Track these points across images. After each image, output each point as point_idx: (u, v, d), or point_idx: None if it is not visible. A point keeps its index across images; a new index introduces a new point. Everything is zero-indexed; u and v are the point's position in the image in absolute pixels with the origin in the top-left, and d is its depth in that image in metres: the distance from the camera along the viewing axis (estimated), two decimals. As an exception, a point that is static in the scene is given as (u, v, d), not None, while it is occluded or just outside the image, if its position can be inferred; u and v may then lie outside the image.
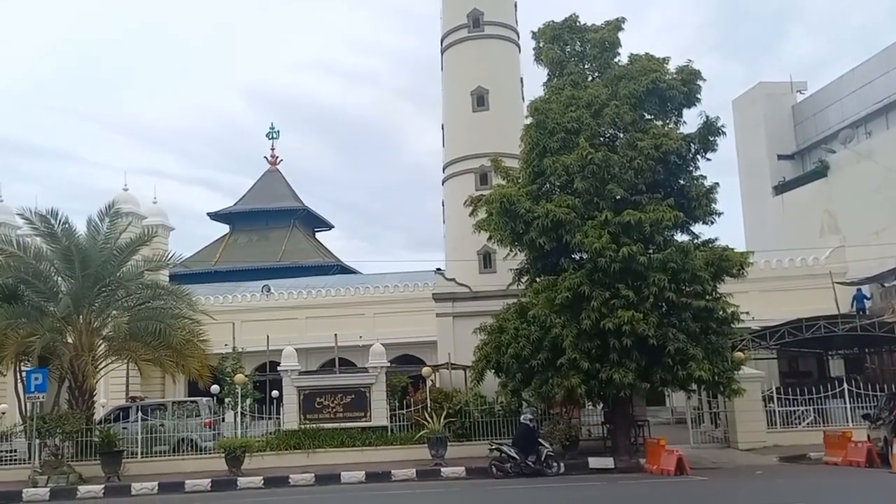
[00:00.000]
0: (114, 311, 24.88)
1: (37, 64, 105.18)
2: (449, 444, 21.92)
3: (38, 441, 21.55)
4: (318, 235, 68.40)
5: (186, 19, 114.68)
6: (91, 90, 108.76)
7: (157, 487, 19.82)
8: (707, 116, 21.15)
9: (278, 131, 67.95)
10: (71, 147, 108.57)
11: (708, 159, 21.61)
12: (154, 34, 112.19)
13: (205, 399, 26.90)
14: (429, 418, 22.34)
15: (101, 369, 24.76)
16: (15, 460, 22.95)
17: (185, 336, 24.47)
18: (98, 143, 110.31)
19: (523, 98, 30.12)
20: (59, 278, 24.66)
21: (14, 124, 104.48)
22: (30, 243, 24.97)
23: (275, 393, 26.33)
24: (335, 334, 29.49)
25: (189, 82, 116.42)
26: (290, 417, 23.81)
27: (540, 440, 20.07)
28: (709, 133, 21.16)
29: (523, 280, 22.85)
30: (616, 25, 22.93)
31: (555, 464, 19.60)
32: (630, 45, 23.87)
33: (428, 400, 24.09)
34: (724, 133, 21.44)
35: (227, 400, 27.44)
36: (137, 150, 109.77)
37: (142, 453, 22.87)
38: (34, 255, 24.50)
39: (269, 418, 25.09)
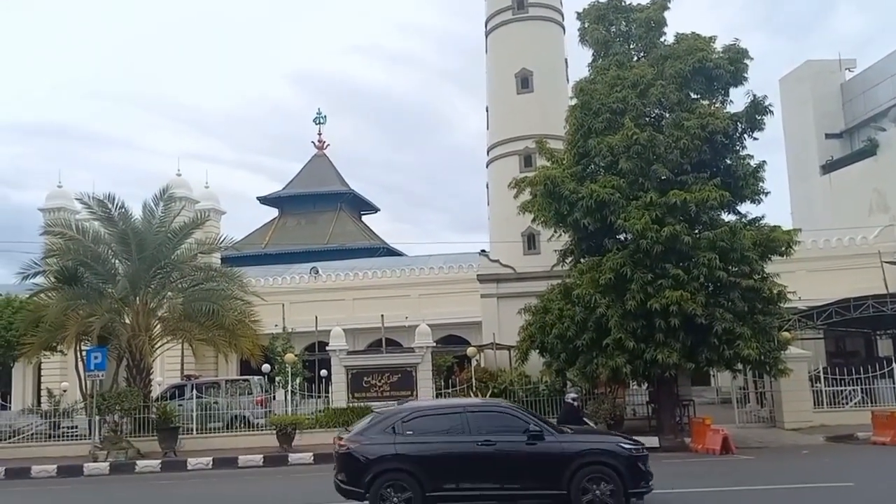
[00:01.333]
0: (169, 293, 25.33)
1: (93, 53, 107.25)
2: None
3: (98, 417, 22.09)
4: (364, 218, 68.72)
5: (236, 6, 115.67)
6: (144, 78, 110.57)
7: (211, 462, 20.16)
8: (754, 96, 20.67)
9: (325, 116, 68.41)
10: (126, 134, 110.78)
11: (755, 138, 21.19)
12: (205, 22, 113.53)
13: (256, 377, 27.34)
14: (474, 397, 22.33)
15: (157, 348, 25.26)
16: (76, 436, 23.60)
17: (236, 317, 24.83)
18: (151, 130, 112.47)
19: (568, 79, 29.82)
20: (117, 261, 25.17)
21: (71, 112, 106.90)
22: (88, 227, 25.50)
23: (323, 372, 26.59)
24: (381, 315, 29.64)
25: (238, 69, 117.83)
26: (339, 396, 24.03)
27: (585, 419, 19.91)
28: (756, 112, 20.68)
29: (567, 261, 22.66)
30: (661, 5, 22.54)
31: (599, 442, 19.42)
32: (676, 23, 23.38)
33: (473, 379, 24.08)
34: (771, 112, 20.95)
35: (277, 378, 27.78)
36: (189, 136, 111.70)
37: (197, 429, 23.25)
38: (92, 238, 25.02)
39: (318, 396, 25.38)
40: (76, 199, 28.74)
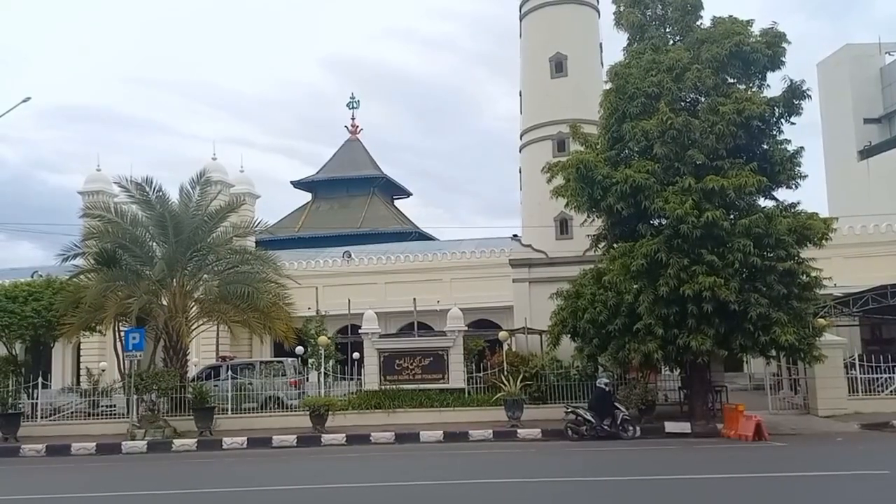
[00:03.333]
0: (205, 275, 25.54)
1: (133, 38, 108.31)
2: (525, 406, 21.83)
3: (135, 397, 22.42)
4: (396, 203, 68.75)
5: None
6: (184, 63, 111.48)
7: (246, 442, 20.38)
8: (792, 80, 20.22)
9: (358, 101, 68.26)
10: (164, 118, 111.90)
11: (792, 123, 20.73)
12: (243, 7, 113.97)
13: (290, 360, 27.52)
14: (505, 381, 22.25)
15: (193, 330, 25.53)
16: (114, 415, 23.97)
17: (271, 299, 25.00)
18: (189, 115, 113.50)
19: (602, 63, 29.32)
20: (154, 243, 25.41)
21: (111, 97, 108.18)
22: (126, 210, 25.79)
23: (356, 355, 26.68)
24: (413, 299, 29.65)
25: (275, 54, 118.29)
26: (371, 378, 24.10)
27: (616, 404, 19.77)
28: (793, 97, 20.24)
29: (600, 246, 22.43)
30: (699, -13, 22.07)
31: (630, 427, 19.30)
32: (713, 6, 22.84)
33: (504, 363, 24.01)
34: (809, 97, 20.52)
35: (310, 361, 27.97)
36: (226, 120, 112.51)
37: (232, 410, 23.49)
38: (130, 221, 25.30)
39: (351, 379, 25.51)
40: (114, 182, 29.06)
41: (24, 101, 24.19)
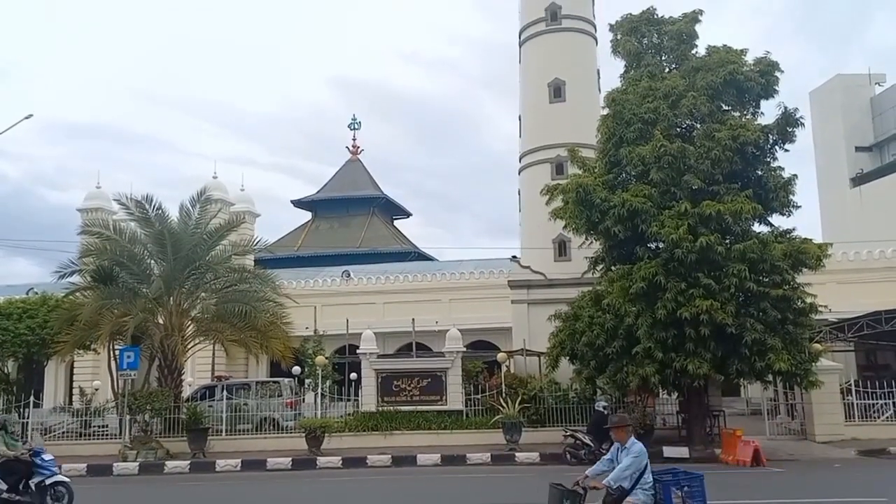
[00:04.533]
0: (202, 294, 25.22)
1: (134, 55, 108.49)
2: (523, 429, 21.50)
3: (128, 417, 21.94)
4: (396, 223, 68.68)
5: (276, 11, 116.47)
6: (188, 81, 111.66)
7: (240, 465, 19.93)
8: (786, 108, 20.30)
9: (360, 122, 68.56)
10: (167, 136, 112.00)
11: (786, 150, 20.82)
12: (245, 26, 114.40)
13: (286, 380, 27.13)
14: (503, 403, 21.93)
15: (189, 349, 25.15)
16: (107, 435, 23.46)
17: (269, 318, 24.70)
18: (192, 133, 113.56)
19: (600, 89, 29.53)
20: (152, 261, 25.12)
21: (112, 113, 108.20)
22: (125, 228, 25.49)
23: (353, 375, 26.33)
24: (412, 319, 29.34)
25: (281, 74, 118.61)
26: (368, 399, 23.72)
27: (614, 428, 19.41)
28: (787, 124, 20.29)
29: (598, 268, 22.26)
30: (693, 17, 22.30)
31: (629, 452, 18.92)
32: (708, 33, 23.07)
33: (503, 385, 23.70)
34: (802, 125, 20.56)
35: (307, 381, 27.59)
36: (229, 138, 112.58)
37: (226, 431, 23.07)
38: (129, 238, 25.01)
39: (348, 400, 25.11)
40: (114, 199, 28.76)
41: (27, 118, 23.92)
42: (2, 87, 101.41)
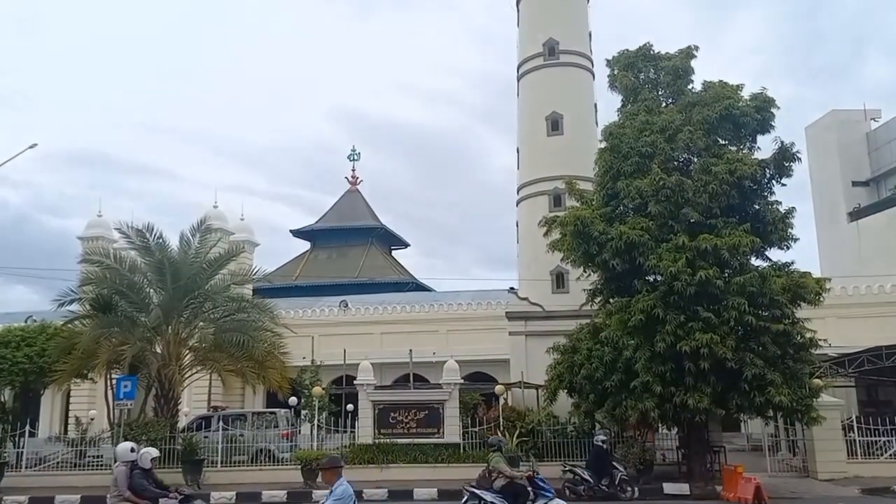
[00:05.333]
0: (200, 323, 24.95)
1: (136, 85, 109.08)
2: (521, 463, 21.08)
3: (124, 447, 21.55)
4: (394, 253, 68.56)
5: (278, 45, 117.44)
6: (186, 110, 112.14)
7: (234, 497, 19.52)
8: (782, 142, 20.17)
9: (359, 154, 68.81)
10: (169, 165, 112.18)
11: (783, 185, 20.66)
12: (247, 58, 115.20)
13: (283, 411, 26.68)
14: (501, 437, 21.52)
15: (186, 378, 24.82)
16: (101, 465, 22.91)
17: (266, 348, 24.38)
18: (194, 162, 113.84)
19: (597, 123, 29.56)
20: (151, 290, 24.89)
21: (114, 142, 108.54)
22: (125, 256, 25.34)
23: (350, 406, 25.93)
24: (410, 350, 29.03)
25: (279, 104, 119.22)
26: (365, 431, 23.30)
27: (614, 463, 19.06)
28: (784, 159, 20.17)
29: (596, 301, 22.00)
30: (688, 53, 22.32)
31: (629, 488, 18.52)
32: (705, 68, 23.19)
33: (501, 418, 23.32)
34: (799, 159, 20.46)
35: (304, 412, 27.18)
36: (230, 167, 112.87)
37: (221, 462, 22.58)
38: (129, 267, 24.83)
39: (344, 431, 24.64)
40: (115, 228, 28.61)
41: (31, 147, 23.82)
42: (6, 115, 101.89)
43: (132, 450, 12.37)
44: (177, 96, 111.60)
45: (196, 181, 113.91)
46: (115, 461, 12.49)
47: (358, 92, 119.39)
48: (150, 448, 13.05)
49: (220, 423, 23.70)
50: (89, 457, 23.43)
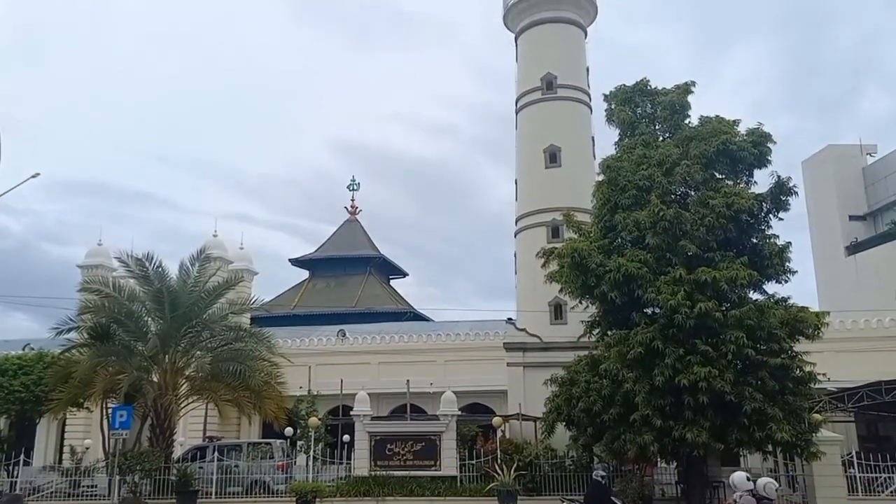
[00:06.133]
0: (198, 352, 24.81)
1: (138, 115, 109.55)
2: (519, 497, 20.80)
3: (118, 477, 21.27)
4: (392, 283, 68.29)
5: (281, 76, 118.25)
6: (187, 140, 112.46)
7: (228, 529, 19.26)
8: (779, 177, 20.24)
9: (358, 184, 68.76)
10: (167, 193, 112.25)
11: (780, 219, 20.66)
12: (249, 89, 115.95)
13: (278, 441, 26.37)
14: (499, 470, 21.29)
15: (182, 408, 24.61)
16: (95, 496, 22.66)
17: (263, 378, 24.22)
18: (194, 190, 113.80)
19: (594, 155, 29.71)
20: (150, 319, 24.78)
21: (115, 171, 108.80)
22: (124, 285, 25.25)
23: (346, 437, 25.65)
24: (407, 381, 28.81)
25: (279, 135, 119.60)
26: (361, 463, 23.00)
27: (613, 498, 18.72)
28: (781, 193, 20.22)
29: (594, 332, 21.90)
30: (685, 89, 22.45)
31: (628, 524, 18.28)
32: (704, 101, 23.28)
33: (498, 451, 23.06)
34: (795, 193, 20.50)
35: (299, 443, 26.89)
36: (228, 196, 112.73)
37: (216, 493, 22.30)
38: (128, 296, 24.75)
39: (340, 463, 24.37)
40: (115, 258, 28.58)
41: (33, 176, 23.77)
42: (8, 144, 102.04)
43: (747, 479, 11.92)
44: (179, 126, 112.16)
45: (197, 210, 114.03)
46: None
47: (359, 122, 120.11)
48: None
49: (216, 454, 23.44)
50: (83, 486, 23.15)
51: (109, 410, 22.77)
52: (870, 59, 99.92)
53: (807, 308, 19.91)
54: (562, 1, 31.67)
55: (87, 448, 27.72)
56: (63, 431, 35.59)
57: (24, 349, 29.81)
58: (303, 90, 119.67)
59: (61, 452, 33.73)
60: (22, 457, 23.34)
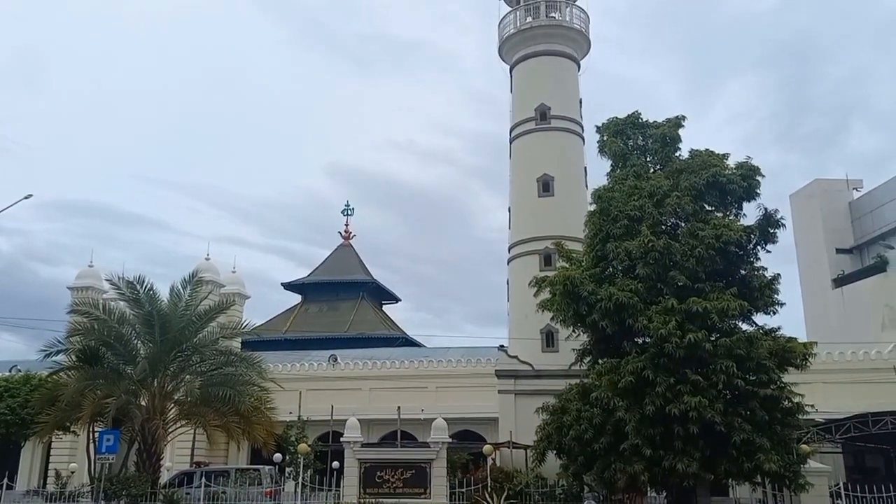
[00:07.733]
0: (187, 376, 24.64)
1: (131, 137, 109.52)
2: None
3: (103, 503, 20.97)
4: (385, 308, 68.05)
5: (277, 101, 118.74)
6: (181, 163, 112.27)
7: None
8: (766, 209, 20.51)
9: (353, 209, 68.77)
10: (160, 215, 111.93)
11: (768, 251, 20.83)
12: (247, 114, 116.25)
13: (267, 467, 26.06)
14: (489, 498, 21.10)
15: (170, 433, 24.34)
16: (79, 521, 22.40)
17: (253, 403, 24.07)
18: (187, 213, 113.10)
19: (587, 186, 29.93)
20: (139, 342, 24.62)
21: (107, 193, 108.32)
22: (114, 307, 25.10)
23: (335, 464, 25.39)
24: (398, 407, 28.61)
25: (274, 159, 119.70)
26: (350, 491, 22.71)
27: (602, 528, 18.68)
28: (769, 225, 20.46)
29: (586, 360, 21.85)
30: (676, 122, 22.70)
31: (617, 553, 18.13)
32: (694, 134, 23.46)
33: (489, 479, 22.86)
34: (783, 226, 20.75)
35: (288, 469, 26.58)
36: (221, 219, 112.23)
37: (203, 520, 22.05)
38: (117, 318, 24.59)
39: (329, 490, 24.09)
40: (106, 279, 28.38)
41: (26, 197, 23.74)
42: (6, 165, 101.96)
43: None
44: (173, 149, 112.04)
45: (190, 233, 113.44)
46: None
47: (354, 148, 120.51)
48: None
49: (203, 480, 23.12)
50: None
51: (96, 434, 22.52)
52: (858, 96, 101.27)
53: (795, 339, 19.97)
54: (555, 35, 32.09)
55: (73, 472, 27.32)
56: (48, 455, 35.01)
57: (10, 371, 29.47)
58: (299, 114, 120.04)
59: (46, 476, 33.20)
60: (6, 480, 22.94)
